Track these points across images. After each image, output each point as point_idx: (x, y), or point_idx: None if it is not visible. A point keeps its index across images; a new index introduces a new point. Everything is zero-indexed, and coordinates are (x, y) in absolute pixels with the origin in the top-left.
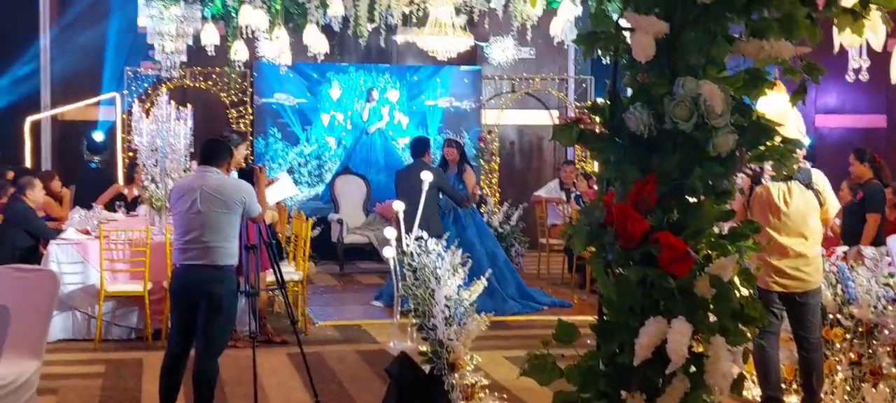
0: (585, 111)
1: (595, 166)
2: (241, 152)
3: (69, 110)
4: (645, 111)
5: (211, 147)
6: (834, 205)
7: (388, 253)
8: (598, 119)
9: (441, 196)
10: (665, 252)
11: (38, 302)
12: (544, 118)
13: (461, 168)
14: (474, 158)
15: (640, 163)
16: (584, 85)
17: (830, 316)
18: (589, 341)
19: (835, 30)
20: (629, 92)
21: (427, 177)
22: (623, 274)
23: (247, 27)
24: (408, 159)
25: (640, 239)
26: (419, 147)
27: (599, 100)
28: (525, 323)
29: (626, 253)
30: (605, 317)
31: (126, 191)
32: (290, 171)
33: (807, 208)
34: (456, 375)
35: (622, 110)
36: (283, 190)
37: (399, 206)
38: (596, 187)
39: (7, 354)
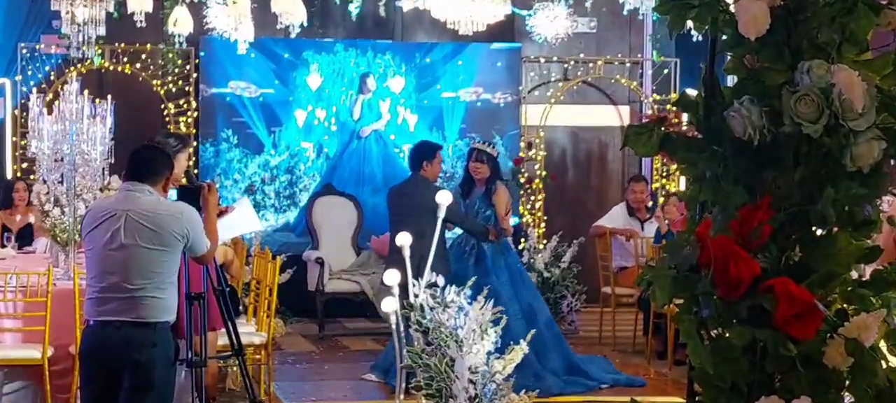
0: (670, 108)
1: (682, 184)
2: (181, 163)
3: None
4: (755, 108)
5: (141, 156)
6: None
7: (389, 306)
8: (687, 118)
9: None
10: (783, 305)
11: None
12: (610, 116)
13: (490, 187)
14: (511, 174)
15: (747, 180)
16: (666, 70)
17: None
18: None
19: None
20: (732, 81)
21: (444, 198)
22: (723, 337)
23: None
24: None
25: (747, 287)
26: (419, 155)
27: (690, 93)
28: None
29: (728, 308)
30: (697, 398)
31: (12, 218)
32: (251, 191)
33: None
34: None
35: (723, 107)
36: (242, 221)
37: (404, 240)
38: (685, 214)
39: None
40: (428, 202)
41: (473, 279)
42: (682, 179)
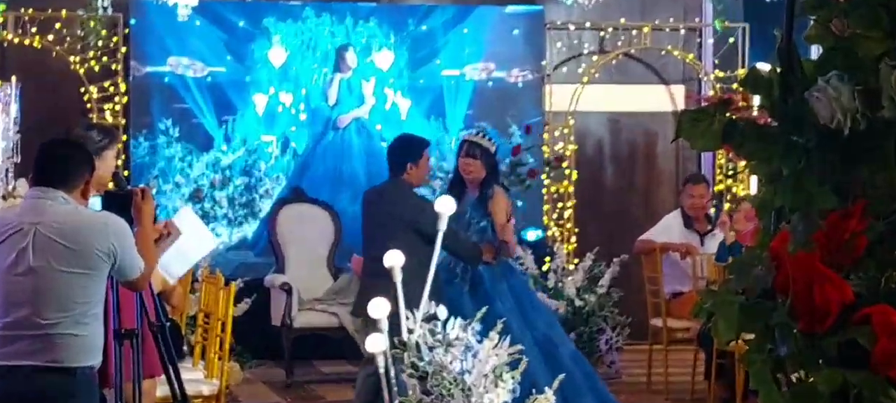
0: (736, 87)
1: (752, 186)
2: (108, 163)
3: None
4: (845, 86)
5: (54, 154)
6: None
7: (375, 345)
8: (758, 101)
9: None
10: (882, 340)
11: None
12: (659, 99)
13: (486, 192)
14: (508, 170)
15: (835, 179)
16: (731, 39)
17: None
18: None
19: None
20: (817, 52)
21: (446, 206)
22: (806, 382)
23: None
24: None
25: (836, 317)
26: (400, 154)
27: (762, 68)
28: None
29: (812, 345)
30: None
31: None
32: (197, 197)
33: None
34: None
35: (804, 86)
36: (196, 242)
37: (395, 260)
38: (756, 224)
39: None
40: (408, 214)
41: (465, 307)
42: (753, 180)
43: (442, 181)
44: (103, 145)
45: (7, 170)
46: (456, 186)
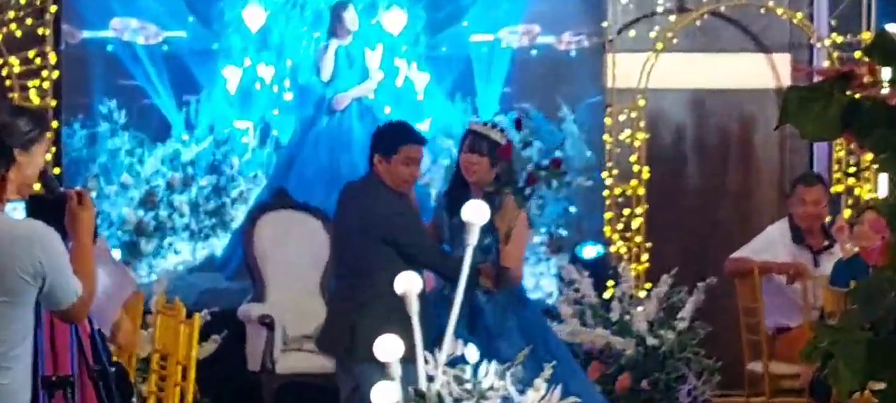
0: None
1: (881, 187)
2: (37, 159)
3: None
4: None
5: None
6: None
7: (384, 397)
8: (888, 75)
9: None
10: None
11: None
12: (758, 72)
13: (498, 196)
14: (590, 169)
15: None
16: None
17: None
18: None
19: None
20: None
21: (476, 214)
22: None
23: None
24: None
25: None
26: (377, 140)
27: (894, 31)
28: None
29: None
30: None
31: None
32: (151, 203)
33: None
34: None
35: None
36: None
37: (409, 285)
38: (887, 237)
39: None
40: (379, 222)
41: (527, 350)
42: (882, 178)
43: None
44: (32, 136)
45: None
46: (458, 188)
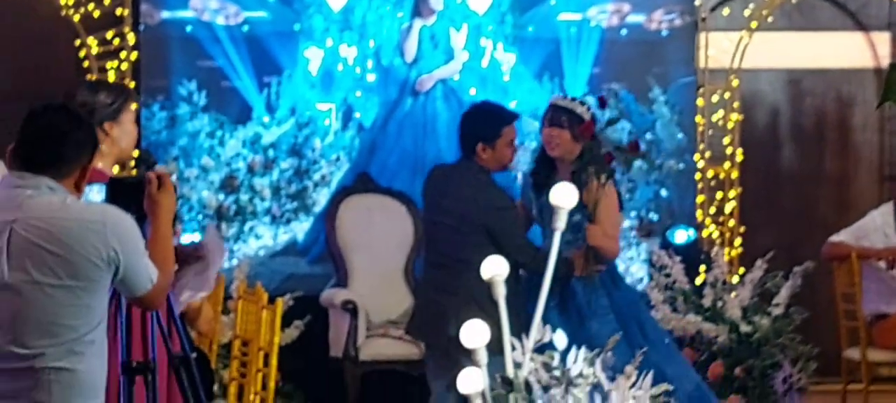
0: None
1: None
2: (127, 128)
3: None
4: None
5: (40, 127)
6: None
7: (470, 384)
8: None
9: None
10: None
11: None
12: (857, 52)
13: (583, 176)
14: (682, 151)
15: None
16: None
17: None
18: None
19: None
20: None
21: (565, 197)
22: None
23: None
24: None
25: None
26: (469, 128)
27: None
28: None
29: None
30: None
31: None
32: (231, 186)
33: None
34: None
35: None
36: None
37: (496, 270)
38: None
39: None
40: (479, 214)
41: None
42: None
43: None
44: (117, 106)
45: None
46: (543, 166)
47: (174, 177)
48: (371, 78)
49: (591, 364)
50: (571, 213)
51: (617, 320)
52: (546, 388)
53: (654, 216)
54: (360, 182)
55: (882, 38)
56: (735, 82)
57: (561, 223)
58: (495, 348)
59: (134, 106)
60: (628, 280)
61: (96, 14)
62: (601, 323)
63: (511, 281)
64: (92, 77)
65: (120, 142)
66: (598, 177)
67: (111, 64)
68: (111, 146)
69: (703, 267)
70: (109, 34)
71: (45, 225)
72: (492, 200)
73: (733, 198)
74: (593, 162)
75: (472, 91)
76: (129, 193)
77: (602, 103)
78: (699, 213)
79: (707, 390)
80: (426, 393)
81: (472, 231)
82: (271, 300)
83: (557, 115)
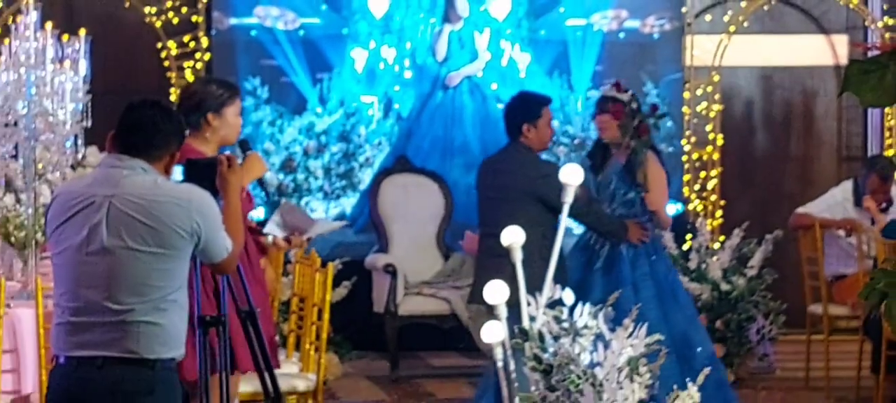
0: None
1: None
2: (229, 120)
3: None
4: None
5: (138, 117)
6: None
7: (492, 335)
8: None
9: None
10: None
11: None
12: (819, 51)
13: (637, 156)
14: (671, 138)
15: None
16: None
17: None
18: None
19: None
20: None
21: (573, 176)
22: None
23: None
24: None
25: None
26: (516, 114)
27: None
28: None
29: None
30: None
31: None
32: (289, 167)
33: None
34: None
35: None
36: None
37: (513, 238)
38: None
39: None
40: (529, 183)
41: (597, 291)
42: None
43: (567, 147)
44: (224, 100)
45: (76, 136)
46: (599, 152)
47: (270, 174)
48: (408, 75)
49: (595, 317)
50: (626, 192)
51: (655, 287)
52: (556, 337)
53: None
54: (398, 163)
55: (841, 40)
56: (716, 78)
57: (569, 197)
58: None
59: (238, 102)
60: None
61: (175, 20)
62: (640, 289)
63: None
64: (172, 75)
65: (220, 131)
66: (640, 149)
67: (188, 64)
68: (213, 133)
69: (689, 236)
70: (186, 38)
71: (138, 200)
72: (539, 170)
73: (714, 177)
74: (633, 136)
75: (494, 86)
76: (202, 172)
77: (617, 87)
78: (686, 190)
79: (716, 358)
80: (453, 343)
81: (521, 200)
82: (324, 264)
83: (603, 104)
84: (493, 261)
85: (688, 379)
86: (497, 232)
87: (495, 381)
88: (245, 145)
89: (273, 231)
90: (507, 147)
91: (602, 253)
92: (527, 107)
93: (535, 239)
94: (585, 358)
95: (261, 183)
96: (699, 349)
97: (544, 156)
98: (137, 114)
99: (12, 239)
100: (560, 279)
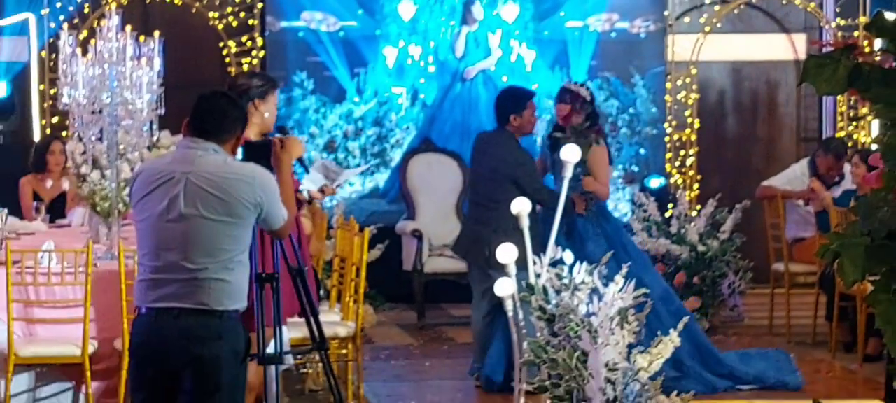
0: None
1: (873, 132)
2: (271, 107)
3: None
4: None
5: (210, 106)
6: None
7: (503, 289)
8: (881, 45)
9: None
10: None
11: None
12: (781, 48)
13: (582, 138)
14: (655, 122)
15: None
16: None
17: None
18: None
19: None
20: None
21: (571, 154)
22: None
23: None
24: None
25: None
26: (505, 102)
27: (887, 15)
28: None
29: None
30: None
31: (43, 185)
32: (331, 148)
33: None
34: None
35: None
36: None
37: (521, 207)
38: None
39: None
40: (508, 167)
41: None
42: (874, 125)
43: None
44: (265, 89)
45: (151, 122)
46: (555, 132)
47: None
48: (431, 69)
49: (591, 274)
50: (574, 169)
51: (606, 243)
52: (558, 292)
53: (635, 168)
54: (423, 144)
55: (800, 38)
56: (693, 71)
57: (568, 172)
58: (520, 264)
59: (276, 93)
60: (616, 215)
61: (234, 23)
62: (595, 245)
63: (531, 215)
64: (231, 69)
65: (264, 115)
66: (584, 144)
67: (245, 60)
68: (259, 118)
69: (670, 205)
70: (244, 38)
71: (211, 176)
72: (517, 158)
73: (692, 155)
74: (583, 131)
75: (504, 78)
76: (260, 152)
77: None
78: (668, 166)
79: (673, 293)
80: (470, 296)
81: (503, 179)
82: (361, 229)
83: (563, 95)
84: (477, 227)
85: (671, 329)
86: (483, 203)
87: (504, 330)
88: (284, 130)
89: (307, 186)
90: (496, 131)
91: (562, 221)
92: (515, 100)
93: (509, 215)
94: (582, 309)
95: (300, 161)
96: (653, 288)
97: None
98: (209, 104)
99: (98, 208)
100: (534, 242)
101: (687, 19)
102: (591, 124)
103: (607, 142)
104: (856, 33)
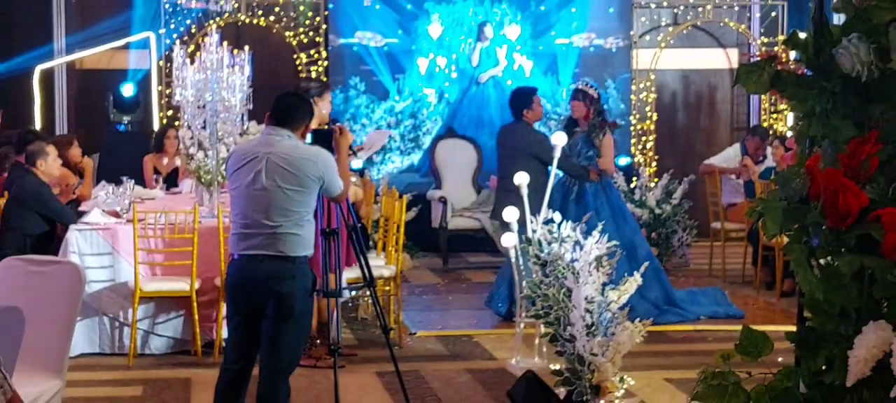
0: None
1: (789, 121)
2: (325, 103)
3: (90, 55)
4: (863, 45)
5: (285, 103)
6: None
7: (508, 241)
8: (796, 57)
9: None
10: (890, 234)
11: (59, 303)
12: (719, 59)
13: (596, 130)
14: (623, 116)
15: (855, 115)
16: (774, 14)
17: None
18: (782, 357)
19: None
20: (840, 19)
21: (559, 140)
22: (832, 266)
23: None
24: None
25: (856, 217)
26: (517, 103)
27: (800, 34)
28: (693, 335)
29: (837, 238)
30: (807, 323)
31: (160, 162)
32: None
33: None
34: (602, 401)
35: (831, 45)
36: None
37: (522, 179)
38: (793, 149)
39: (20, 370)
40: (528, 147)
41: (572, 214)
42: (790, 116)
43: (556, 121)
44: (319, 90)
45: (242, 115)
46: (570, 124)
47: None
48: (454, 75)
49: (574, 230)
50: (587, 151)
51: (610, 210)
52: (549, 243)
53: None
54: (447, 132)
55: (733, 52)
56: (652, 77)
57: (557, 153)
58: (521, 222)
59: (329, 93)
60: None
61: (305, 40)
62: (600, 213)
63: (542, 186)
64: (302, 75)
65: (321, 110)
66: (602, 132)
67: (314, 68)
68: (317, 113)
69: (634, 178)
70: (312, 51)
71: (286, 156)
72: (535, 138)
73: (651, 140)
74: (597, 124)
75: (509, 82)
76: (323, 138)
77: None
78: (632, 149)
79: (653, 256)
80: (482, 246)
81: (524, 157)
82: (400, 196)
83: (576, 94)
84: (506, 195)
85: (634, 271)
86: (509, 177)
87: (510, 272)
88: (335, 122)
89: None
90: (514, 123)
91: (574, 189)
92: (523, 97)
93: (534, 182)
94: (567, 256)
95: (350, 147)
96: (641, 250)
97: (538, 126)
98: (285, 101)
99: (202, 180)
100: (550, 206)
101: (647, 37)
102: (603, 119)
103: (614, 133)
104: (776, 48)
